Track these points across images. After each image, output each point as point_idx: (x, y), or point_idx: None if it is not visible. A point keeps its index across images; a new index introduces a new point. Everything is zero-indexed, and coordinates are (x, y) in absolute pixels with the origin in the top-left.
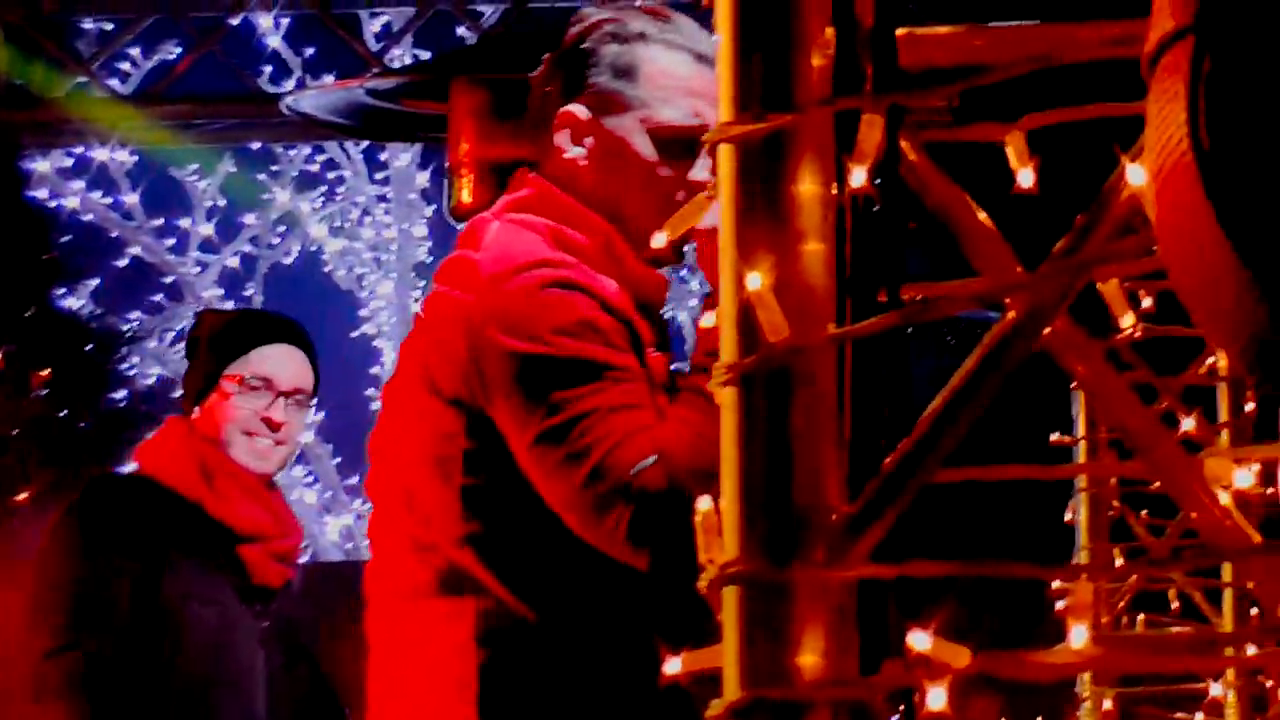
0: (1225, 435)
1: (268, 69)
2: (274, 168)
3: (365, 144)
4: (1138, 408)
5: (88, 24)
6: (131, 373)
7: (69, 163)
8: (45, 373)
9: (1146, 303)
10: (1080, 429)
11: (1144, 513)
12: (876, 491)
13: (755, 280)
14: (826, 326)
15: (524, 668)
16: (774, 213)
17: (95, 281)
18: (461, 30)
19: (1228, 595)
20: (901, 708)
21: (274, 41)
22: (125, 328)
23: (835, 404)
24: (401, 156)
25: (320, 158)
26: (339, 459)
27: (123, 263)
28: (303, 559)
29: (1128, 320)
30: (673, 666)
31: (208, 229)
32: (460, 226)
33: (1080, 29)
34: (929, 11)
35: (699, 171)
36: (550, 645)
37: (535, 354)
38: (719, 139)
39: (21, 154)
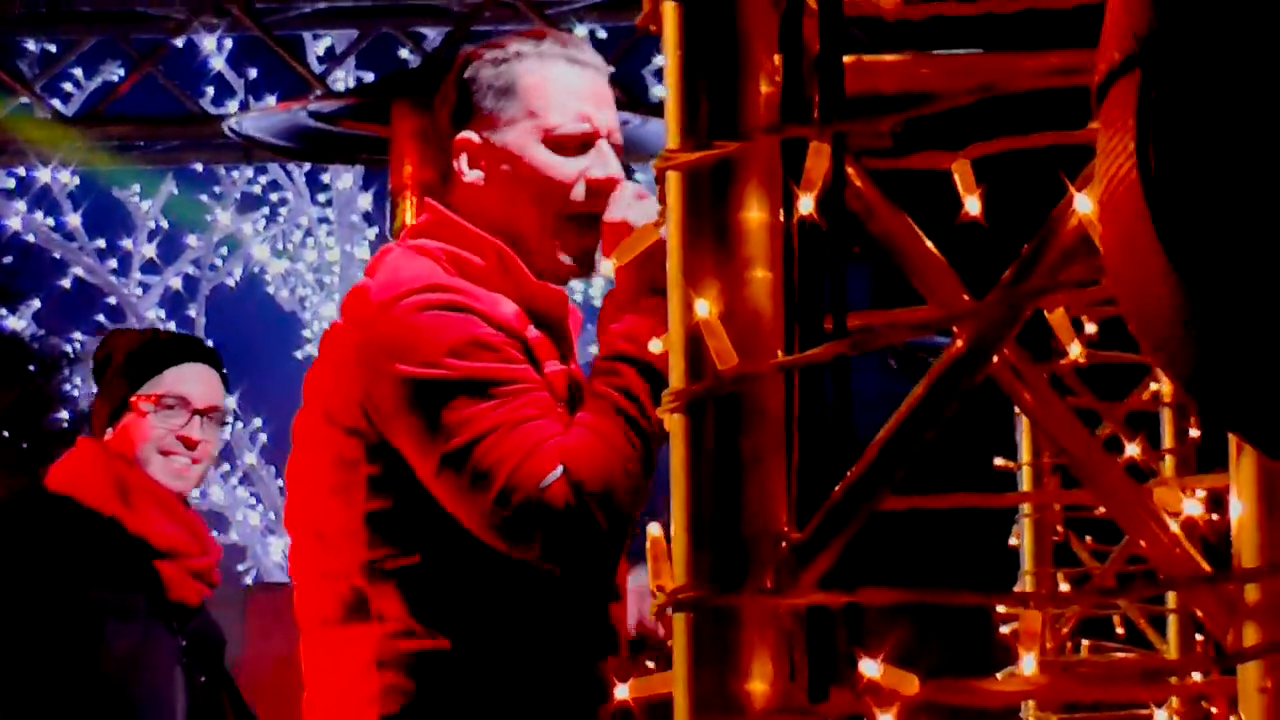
0: (1170, 461)
1: (210, 90)
2: (216, 189)
3: (308, 166)
4: (1084, 436)
5: (30, 45)
6: (74, 393)
7: (11, 183)
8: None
9: (1090, 329)
10: (1024, 454)
11: (1088, 538)
12: (825, 519)
13: (703, 307)
14: (774, 354)
15: (425, 692)
16: (721, 240)
17: (37, 302)
18: (404, 53)
19: (1172, 621)
20: None
21: (217, 63)
22: (67, 348)
23: (783, 431)
24: (344, 178)
25: (263, 179)
26: (281, 481)
27: (65, 283)
28: (246, 580)
29: (1075, 349)
30: (622, 692)
31: (150, 250)
32: None
33: (1024, 59)
34: (875, 39)
35: (596, 170)
36: (453, 668)
37: (427, 378)
38: (666, 166)
39: None
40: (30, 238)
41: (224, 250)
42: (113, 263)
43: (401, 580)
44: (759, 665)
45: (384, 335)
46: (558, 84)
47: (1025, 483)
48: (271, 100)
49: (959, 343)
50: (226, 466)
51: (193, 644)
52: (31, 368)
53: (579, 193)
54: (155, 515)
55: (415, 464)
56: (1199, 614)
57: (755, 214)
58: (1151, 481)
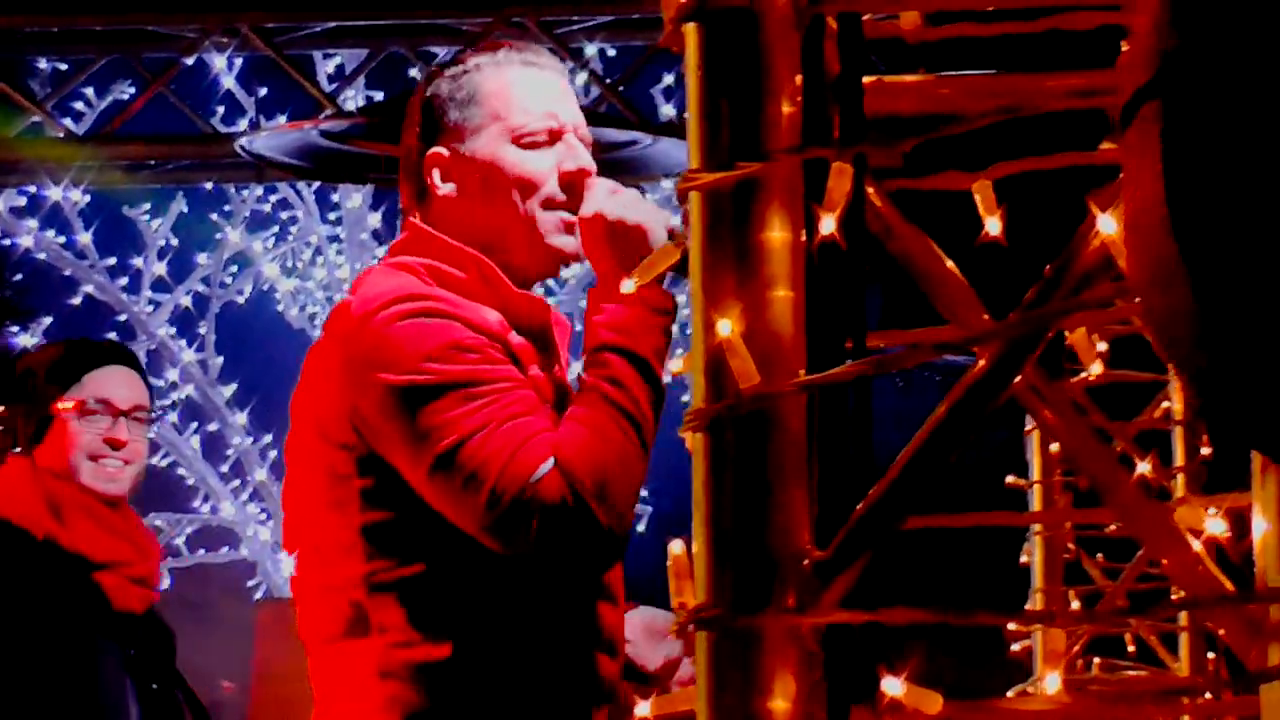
0: (1181, 479)
1: (221, 109)
2: (226, 208)
3: (317, 185)
4: (1105, 455)
5: (42, 63)
6: None
7: (22, 202)
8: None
9: (1101, 347)
10: (1035, 472)
11: (1100, 556)
12: (847, 538)
13: (725, 327)
14: (796, 374)
15: (428, 701)
16: (743, 260)
17: (48, 320)
18: (414, 72)
19: (1184, 639)
20: None
21: (227, 82)
22: None
23: (805, 450)
24: (353, 197)
25: (273, 198)
26: None
27: (75, 301)
28: (256, 595)
29: (1096, 368)
30: (643, 709)
31: (160, 268)
32: None
33: (1045, 79)
34: (893, 60)
35: (568, 163)
36: (455, 676)
37: (409, 385)
38: (688, 186)
39: None
40: (41, 256)
41: (234, 268)
42: (123, 280)
43: (400, 591)
44: (781, 684)
45: (365, 347)
46: (518, 86)
47: (1036, 501)
48: (281, 119)
49: (981, 363)
50: (237, 482)
51: (142, 653)
52: None
53: (553, 186)
54: (89, 528)
55: (406, 472)
56: (1222, 633)
57: (777, 234)
58: (1173, 500)
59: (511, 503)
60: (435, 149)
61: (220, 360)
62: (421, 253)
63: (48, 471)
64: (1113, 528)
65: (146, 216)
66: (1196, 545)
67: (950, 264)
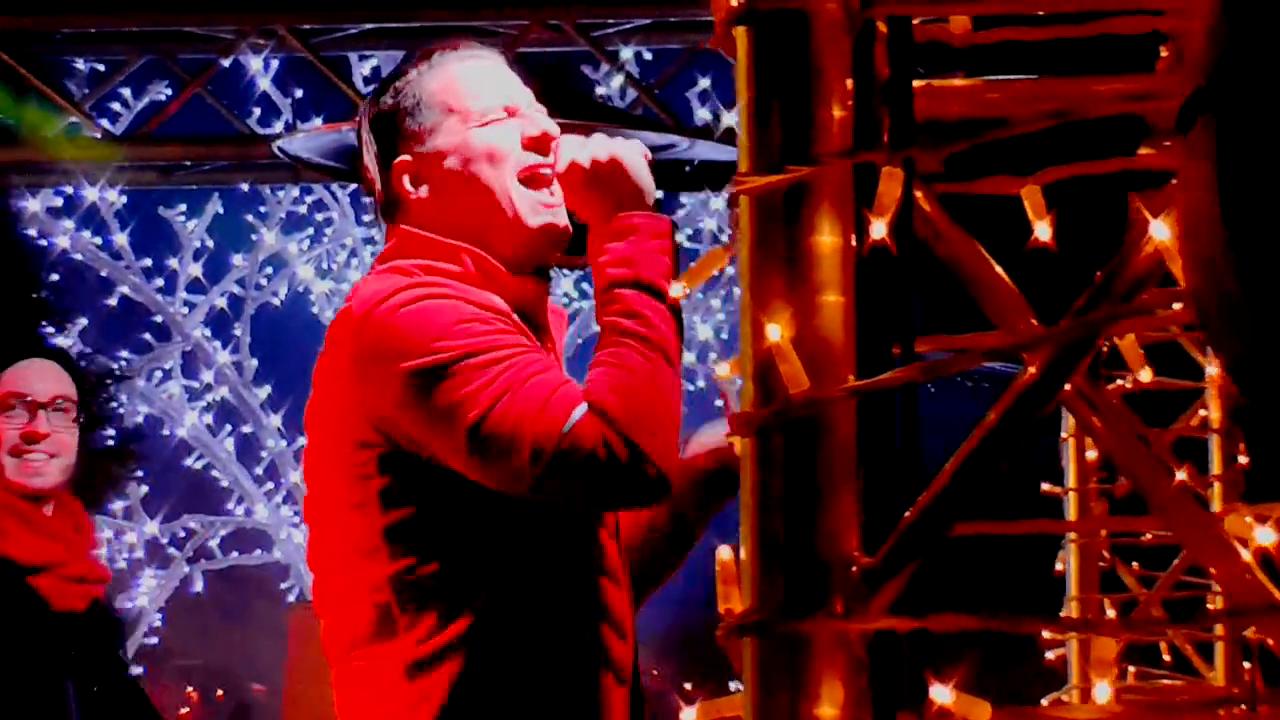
0: (1218, 487)
1: (257, 111)
2: (262, 209)
3: (353, 186)
4: (1153, 463)
5: (79, 64)
6: (120, 411)
7: (59, 202)
8: None
9: None
10: (1071, 479)
11: (1135, 564)
12: (897, 544)
13: (774, 332)
14: (846, 379)
15: (456, 696)
16: (793, 264)
17: (84, 320)
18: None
19: (1220, 649)
20: None
21: (264, 83)
22: (114, 366)
23: (854, 456)
24: None
25: (308, 199)
26: None
27: (111, 302)
28: (289, 598)
29: (1145, 374)
30: (688, 715)
31: (196, 269)
32: None
33: (1095, 83)
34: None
35: (529, 129)
36: (481, 671)
37: (425, 367)
38: (738, 190)
39: (11, 193)
40: (78, 256)
41: (269, 270)
42: (159, 281)
43: (425, 588)
44: (828, 690)
45: (372, 341)
46: (463, 78)
47: (1071, 508)
48: (317, 121)
49: (1031, 370)
50: (271, 485)
51: (83, 653)
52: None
53: (521, 154)
54: (16, 532)
55: (445, 457)
56: (1270, 643)
57: (827, 238)
58: (1221, 509)
59: (552, 456)
60: (399, 159)
61: (255, 362)
62: (411, 254)
63: None
64: (1148, 536)
65: (182, 217)
66: (1246, 555)
67: (999, 269)
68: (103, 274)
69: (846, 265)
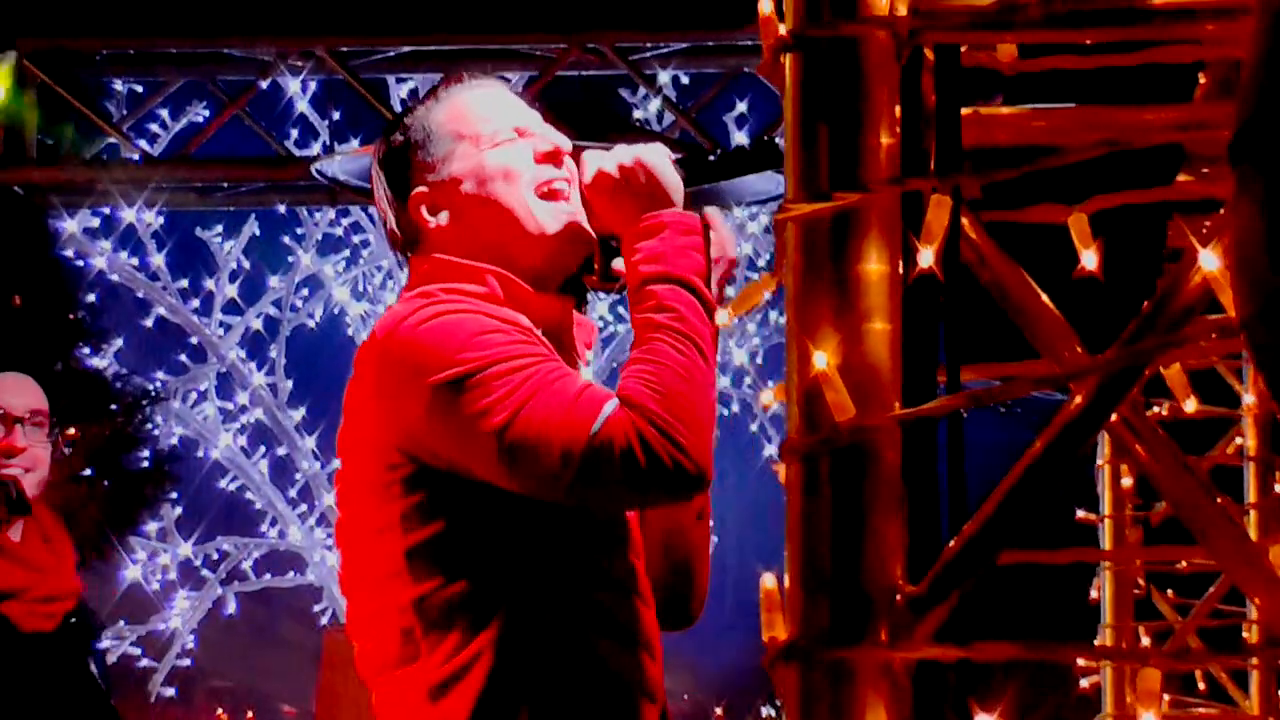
0: (1254, 516)
1: (294, 132)
2: (298, 230)
3: None
4: (1198, 491)
5: (118, 86)
6: (155, 432)
7: (96, 223)
8: (72, 431)
9: None
10: (1106, 507)
11: (1170, 592)
12: (942, 573)
13: (821, 359)
14: (893, 406)
15: (480, 714)
16: (840, 292)
17: (120, 341)
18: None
19: (1255, 677)
20: None
21: (301, 105)
22: (149, 387)
23: (899, 483)
24: None
25: (345, 221)
26: None
27: (148, 323)
28: (323, 620)
29: (1190, 404)
30: None
31: (232, 290)
32: None
33: (1144, 112)
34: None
35: (541, 145)
36: (503, 690)
37: (449, 379)
38: (784, 217)
39: (50, 213)
40: (114, 277)
41: (305, 291)
42: (195, 303)
43: (447, 611)
44: (873, 717)
45: (396, 360)
46: (471, 105)
47: (1107, 535)
48: (355, 143)
49: (1078, 399)
50: (304, 507)
51: (53, 672)
52: (114, 407)
53: (536, 170)
54: None
55: (473, 467)
56: None
57: (874, 265)
58: (1258, 538)
59: (583, 456)
60: (414, 191)
61: (290, 384)
62: (434, 279)
63: None
64: (1183, 564)
65: (219, 239)
66: None
67: (1045, 298)
68: (139, 295)
69: (893, 293)
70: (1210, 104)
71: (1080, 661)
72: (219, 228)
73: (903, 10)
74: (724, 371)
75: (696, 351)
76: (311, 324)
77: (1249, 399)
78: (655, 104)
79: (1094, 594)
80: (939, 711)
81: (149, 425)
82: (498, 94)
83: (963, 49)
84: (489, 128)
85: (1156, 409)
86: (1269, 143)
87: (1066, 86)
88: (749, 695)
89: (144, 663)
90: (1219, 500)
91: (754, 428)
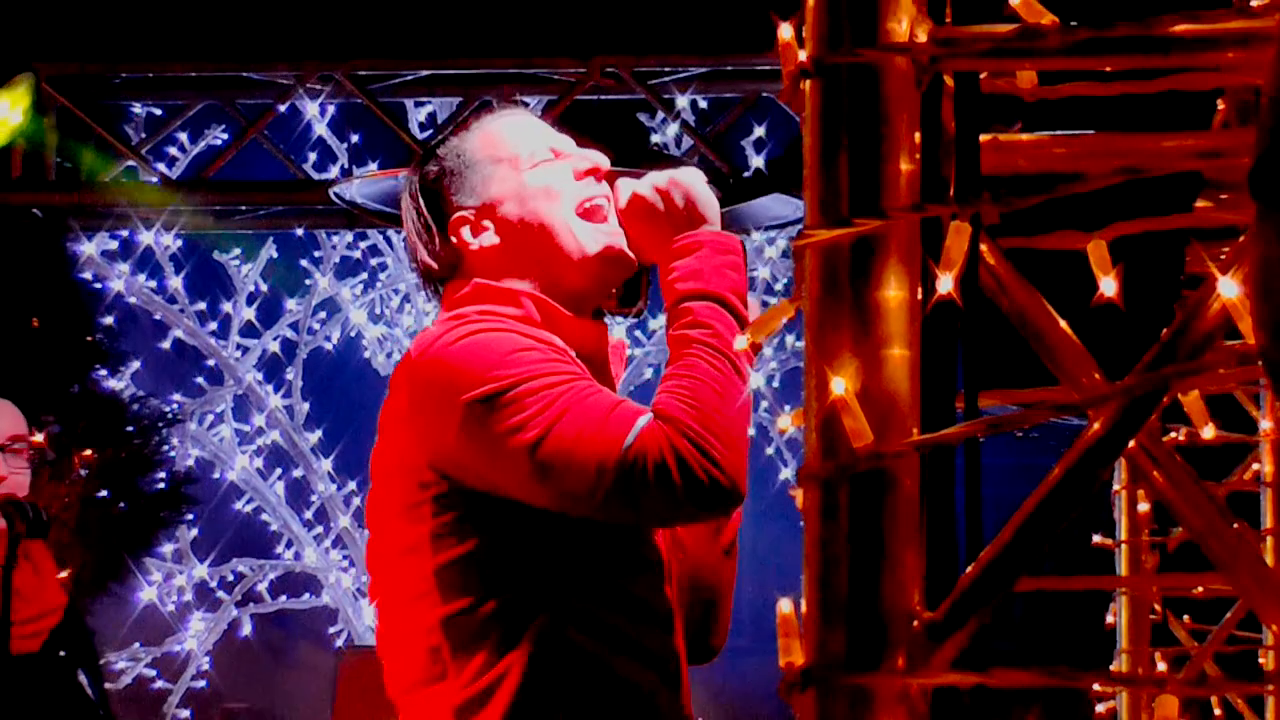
0: (1270, 542)
1: (313, 156)
2: (316, 253)
3: None
4: (1217, 518)
5: (137, 109)
6: (171, 455)
7: (115, 245)
8: (89, 453)
9: None
10: (1123, 531)
11: (1186, 617)
12: (960, 599)
13: (840, 385)
14: (911, 433)
15: None
16: (859, 318)
17: (137, 363)
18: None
19: (1271, 704)
20: None
21: (320, 129)
22: (166, 410)
23: (917, 510)
24: None
25: (363, 244)
26: None
27: (165, 345)
28: (338, 642)
29: (1209, 431)
30: None
31: (249, 313)
32: None
33: (1164, 139)
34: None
35: (580, 164)
36: (528, 709)
37: (483, 395)
38: (804, 243)
39: (68, 236)
40: (132, 299)
41: (322, 314)
42: (213, 325)
43: (474, 630)
44: None
45: (428, 379)
46: (506, 131)
47: (1123, 561)
48: (373, 166)
49: (1096, 426)
50: (320, 529)
51: (38, 693)
52: (130, 429)
53: (576, 188)
54: None
55: (506, 484)
56: None
57: (893, 292)
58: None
59: (617, 470)
60: (454, 215)
61: (306, 406)
62: (470, 303)
63: None
64: (1200, 590)
65: (237, 262)
66: None
67: (1064, 324)
68: (157, 317)
69: (912, 319)
70: (1229, 131)
71: (1096, 687)
72: (237, 251)
73: (923, 37)
74: None
75: (731, 367)
76: (329, 346)
77: (1266, 425)
78: (673, 128)
79: (1110, 619)
80: None
81: (165, 447)
82: (529, 119)
83: (982, 76)
84: (526, 149)
85: (1173, 434)
86: None
87: (1086, 113)
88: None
89: (159, 684)
90: (1236, 526)
91: (770, 451)
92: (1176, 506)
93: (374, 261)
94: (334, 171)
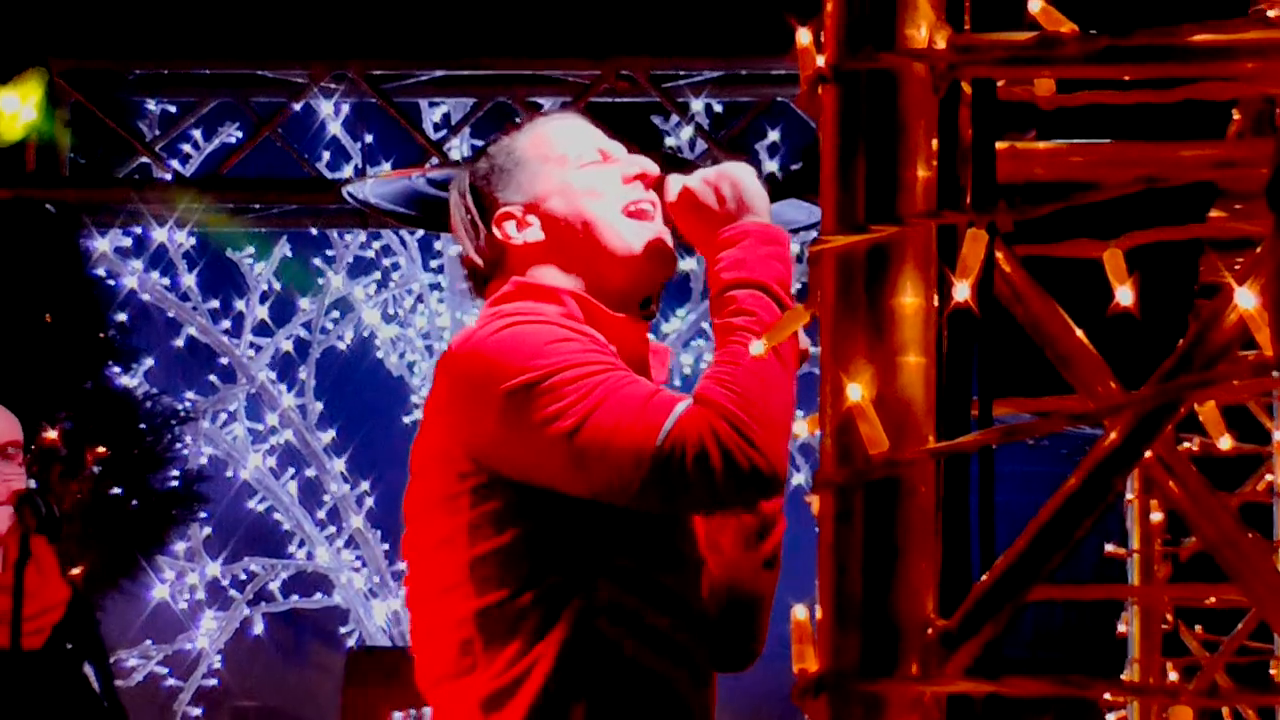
0: None
1: (326, 155)
2: (329, 252)
3: (420, 231)
4: (1235, 529)
5: (151, 106)
6: (184, 453)
7: (128, 242)
8: (101, 450)
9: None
10: (1135, 541)
11: (1198, 628)
12: (974, 607)
13: (855, 392)
14: (926, 440)
15: None
16: (875, 324)
17: (150, 361)
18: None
19: None
20: None
21: (334, 128)
22: (179, 407)
23: (932, 517)
24: (456, 245)
25: (376, 244)
26: (386, 545)
27: (178, 343)
28: (349, 642)
29: (1225, 442)
30: None
31: (262, 312)
32: None
33: (1182, 148)
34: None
35: (629, 168)
36: (557, 704)
37: (521, 384)
38: (820, 249)
39: (82, 232)
40: (145, 297)
41: (335, 314)
42: (226, 323)
43: (507, 623)
44: None
45: (469, 369)
46: (556, 133)
47: (1135, 570)
48: (386, 166)
49: (1112, 435)
50: (333, 529)
51: (43, 686)
52: (143, 426)
53: (624, 190)
54: None
55: (544, 473)
56: None
57: (909, 299)
58: None
59: (654, 457)
60: (499, 211)
61: (319, 406)
62: (512, 299)
63: None
64: (1212, 600)
65: (250, 260)
66: None
67: (1080, 332)
68: (170, 315)
69: (928, 326)
70: (1246, 141)
71: (1108, 696)
72: (250, 249)
73: (941, 43)
74: None
75: (775, 354)
76: (342, 346)
77: (1279, 435)
78: (687, 131)
79: (1121, 628)
80: None
81: (178, 445)
82: (581, 123)
83: (1000, 83)
84: (575, 150)
85: (1187, 444)
86: None
87: (1103, 122)
88: None
89: (170, 682)
90: (1250, 536)
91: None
92: (1191, 517)
93: (387, 261)
94: (347, 171)
